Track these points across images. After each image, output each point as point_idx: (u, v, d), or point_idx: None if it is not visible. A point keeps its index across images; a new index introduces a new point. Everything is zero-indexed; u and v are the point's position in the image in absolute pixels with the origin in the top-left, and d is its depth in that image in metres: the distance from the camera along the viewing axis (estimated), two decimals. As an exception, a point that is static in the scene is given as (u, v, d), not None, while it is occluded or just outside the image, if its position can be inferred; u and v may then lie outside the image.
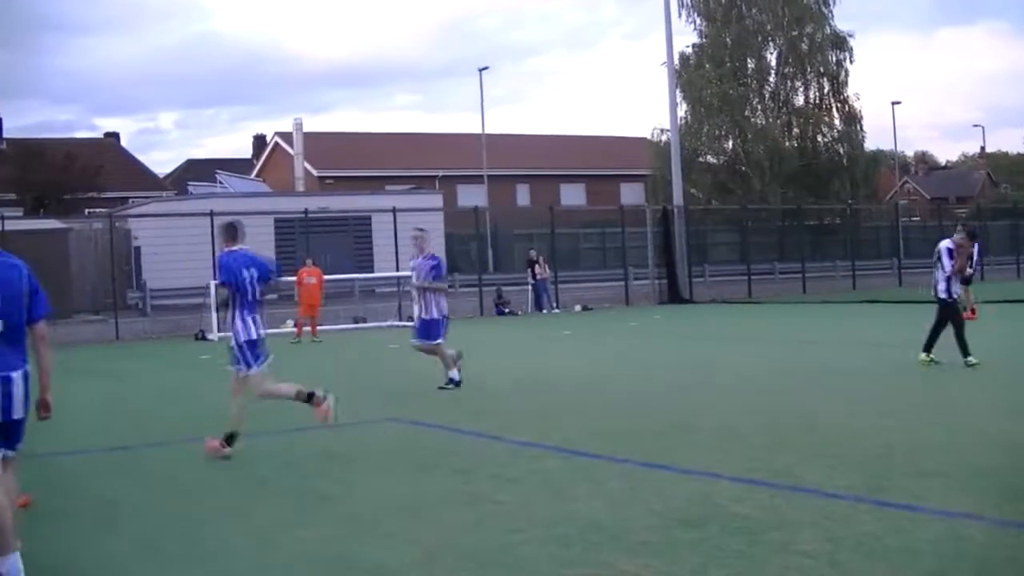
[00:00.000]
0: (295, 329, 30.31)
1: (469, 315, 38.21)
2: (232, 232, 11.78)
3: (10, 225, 34.38)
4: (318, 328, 30.40)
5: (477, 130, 62.35)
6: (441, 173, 65.35)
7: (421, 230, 17.87)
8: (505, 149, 66.12)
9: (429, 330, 17.05)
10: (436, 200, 47.95)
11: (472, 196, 57.36)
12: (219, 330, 31.48)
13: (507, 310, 39.26)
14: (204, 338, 31.60)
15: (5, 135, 71.67)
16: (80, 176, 58.30)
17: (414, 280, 17.17)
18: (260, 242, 35.84)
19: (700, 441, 11.58)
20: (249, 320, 11.49)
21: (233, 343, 11.64)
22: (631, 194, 67.28)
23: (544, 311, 39.34)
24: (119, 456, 12.37)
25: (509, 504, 9.06)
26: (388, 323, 34.82)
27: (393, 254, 37.88)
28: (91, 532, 8.86)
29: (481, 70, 61.62)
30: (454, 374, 16.72)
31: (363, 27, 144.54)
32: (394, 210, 38.88)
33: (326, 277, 34.34)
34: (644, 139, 66.21)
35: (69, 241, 37.88)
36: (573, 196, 69.45)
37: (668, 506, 8.62)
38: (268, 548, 7.98)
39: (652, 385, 17.04)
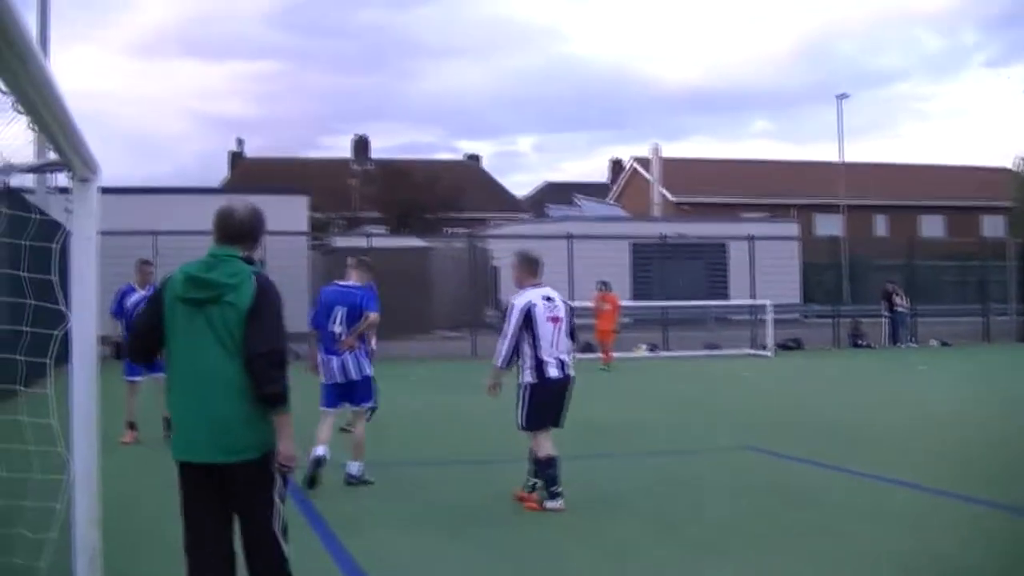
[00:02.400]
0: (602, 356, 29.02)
1: (823, 346, 37.62)
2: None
3: (376, 242, 36.09)
4: (613, 355, 29.14)
5: (834, 158, 61.31)
6: (798, 202, 64.53)
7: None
8: (863, 178, 64.59)
9: None
10: (792, 229, 47.45)
11: (829, 225, 56.47)
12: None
13: (862, 342, 38.41)
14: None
15: (373, 155, 75.23)
16: (443, 196, 60.51)
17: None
18: (616, 266, 36.62)
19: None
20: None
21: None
22: (993, 227, 64.66)
23: (900, 345, 38.28)
24: (476, 468, 12.90)
25: (861, 537, 9.03)
26: (741, 350, 34.64)
27: (748, 282, 37.75)
28: (442, 539, 9.29)
29: (839, 97, 60.50)
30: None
31: (717, 51, 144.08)
32: (750, 238, 38.73)
33: (681, 303, 34.59)
34: (1007, 169, 63.48)
35: (430, 259, 39.38)
36: (932, 227, 67.29)
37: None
38: (622, 570, 8.22)
39: (1011, 425, 16.39)
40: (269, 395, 5.56)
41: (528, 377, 10.39)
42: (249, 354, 5.55)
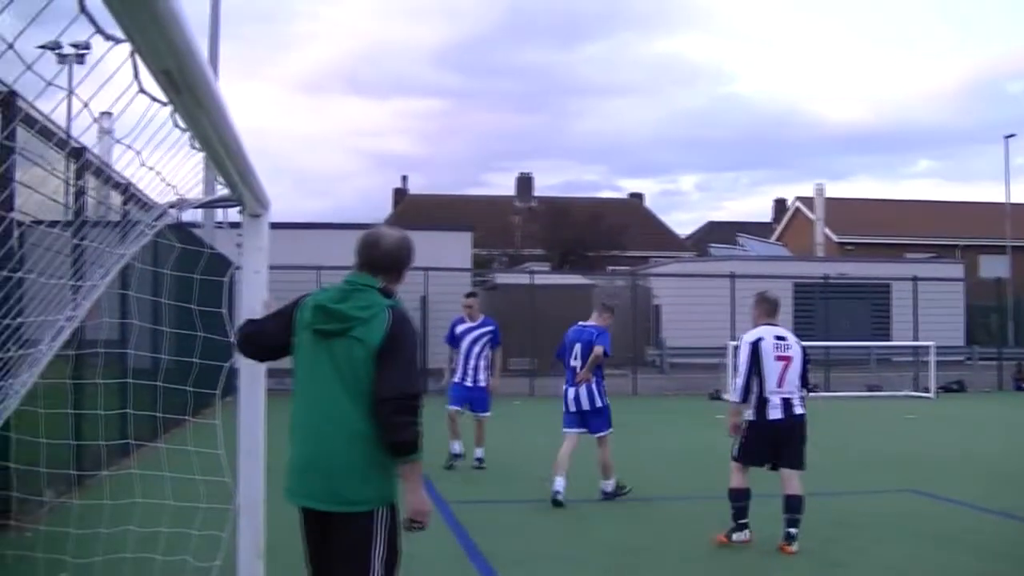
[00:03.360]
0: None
1: (986, 389, 36.72)
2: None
3: (538, 279, 36.32)
4: None
5: (1000, 198, 59.87)
6: (963, 242, 63.21)
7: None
8: (1030, 219, 63.08)
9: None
10: (957, 270, 46.48)
11: (994, 266, 55.09)
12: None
13: (1025, 385, 37.40)
14: (719, 398, 31.92)
15: (536, 193, 75.65)
16: (605, 234, 60.58)
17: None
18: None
19: None
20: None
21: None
22: None
23: (1067, 389, 37.14)
24: (639, 506, 12.85)
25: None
26: (904, 392, 33.99)
27: (911, 323, 37.10)
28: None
29: (1007, 137, 59.13)
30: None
31: (881, 90, 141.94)
32: (915, 279, 38.10)
33: (843, 343, 34.00)
34: None
35: (592, 297, 39.35)
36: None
37: None
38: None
39: None
40: (398, 444, 5.06)
41: (749, 415, 10.61)
42: (378, 398, 5.06)
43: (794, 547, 10.15)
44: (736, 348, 11.00)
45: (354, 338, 5.15)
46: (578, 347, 13.15)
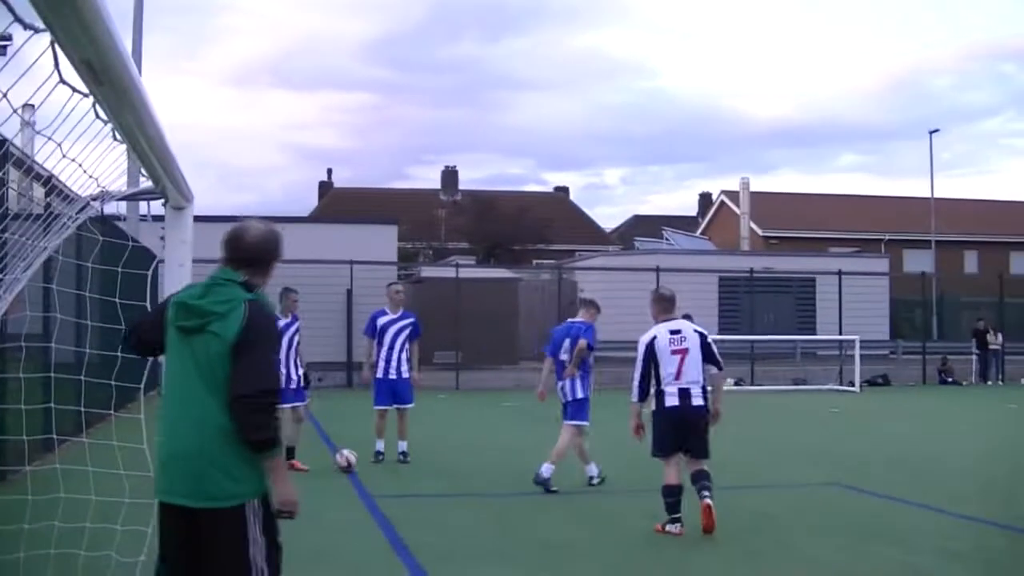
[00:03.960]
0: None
1: (911, 383, 37.24)
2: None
3: (464, 273, 36.33)
4: None
5: (925, 193, 60.63)
6: (887, 237, 64.00)
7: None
8: (954, 214, 63.89)
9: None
10: (882, 264, 47.04)
11: (919, 261, 55.78)
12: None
13: (950, 379, 37.92)
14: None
15: (461, 186, 75.63)
16: (531, 228, 60.63)
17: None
18: (704, 299, 36.51)
19: None
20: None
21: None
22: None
23: (989, 382, 37.75)
24: (563, 500, 12.83)
25: (949, 579, 8.94)
26: (828, 386, 34.37)
27: (836, 317, 37.53)
28: (532, 571, 9.30)
29: (931, 132, 59.90)
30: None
31: (807, 86, 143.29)
32: (839, 273, 38.54)
33: (768, 337, 34.31)
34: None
35: (518, 291, 39.44)
36: (1023, 264, 66.33)
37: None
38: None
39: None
40: (254, 442, 4.99)
41: (652, 406, 11.06)
42: (232, 395, 4.96)
43: (711, 501, 10.52)
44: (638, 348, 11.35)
45: (211, 333, 5.08)
46: (567, 342, 13.68)
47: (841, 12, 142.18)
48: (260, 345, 5.08)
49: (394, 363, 15.45)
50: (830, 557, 9.72)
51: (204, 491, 5.03)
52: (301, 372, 14.79)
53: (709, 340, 11.25)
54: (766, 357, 37.60)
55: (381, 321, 15.64)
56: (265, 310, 5.24)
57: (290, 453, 14.01)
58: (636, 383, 11.10)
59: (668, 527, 10.66)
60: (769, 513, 11.87)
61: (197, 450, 5.04)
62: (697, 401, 10.89)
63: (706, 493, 10.55)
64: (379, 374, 15.48)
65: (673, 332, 11.13)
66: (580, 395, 13.58)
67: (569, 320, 14.14)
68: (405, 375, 15.53)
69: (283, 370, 14.16)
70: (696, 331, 11.26)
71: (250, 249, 5.29)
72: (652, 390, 11.03)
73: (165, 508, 5.17)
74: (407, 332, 15.62)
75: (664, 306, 11.48)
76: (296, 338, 14.63)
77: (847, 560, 9.59)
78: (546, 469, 13.09)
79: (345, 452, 14.57)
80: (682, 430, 10.86)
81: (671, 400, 10.86)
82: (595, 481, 13.52)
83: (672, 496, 10.72)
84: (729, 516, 11.53)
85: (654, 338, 11.12)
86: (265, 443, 5.00)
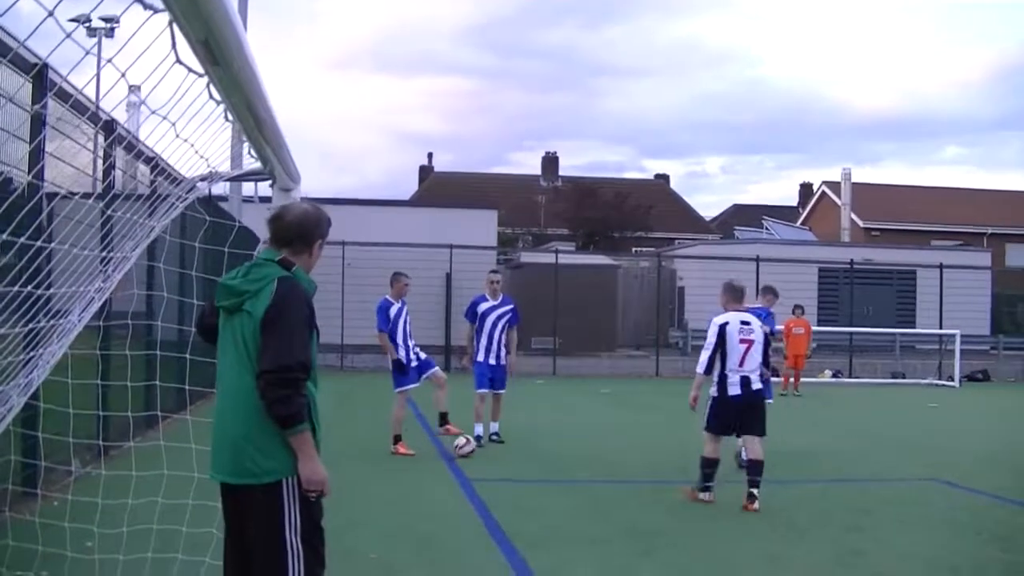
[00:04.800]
0: (782, 380, 28.63)
1: (1011, 379, 36.59)
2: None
3: (563, 259, 36.34)
4: (801, 381, 28.68)
5: (1031, 186, 59.58)
6: (990, 230, 62.87)
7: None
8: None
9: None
10: (984, 258, 46.23)
11: (1022, 255, 54.79)
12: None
13: (1053, 376, 37.28)
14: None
15: (561, 173, 75.52)
16: (630, 215, 60.44)
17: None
18: (803, 290, 36.18)
19: None
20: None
21: None
22: None
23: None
24: (659, 489, 12.83)
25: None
26: (927, 380, 33.89)
27: (937, 310, 36.98)
28: (626, 559, 9.28)
29: (1037, 124, 58.87)
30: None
31: (910, 76, 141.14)
32: (941, 266, 37.97)
33: (867, 330, 33.91)
34: None
35: (617, 278, 39.34)
36: None
37: None
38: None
39: None
40: (277, 417, 5.04)
41: (712, 391, 11.94)
42: (259, 371, 5.07)
43: (756, 505, 11.35)
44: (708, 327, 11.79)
45: (246, 312, 5.19)
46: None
47: (945, 1, 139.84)
48: (286, 321, 5.12)
49: (494, 349, 15.77)
50: (927, 553, 9.60)
51: (242, 467, 5.15)
52: (417, 354, 15.07)
53: (771, 341, 12.35)
54: (865, 350, 37.16)
55: (482, 307, 15.92)
56: (297, 287, 5.26)
57: (396, 439, 14.74)
58: (705, 358, 11.93)
59: (701, 495, 11.78)
60: (866, 507, 11.72)
61: (237, 429, 5.17)
62: (756, 386, 11.88)
63: (755, 492, 11.47)
64: (479, 358, 15.82)
65: (743, 323, 11.99)
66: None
67: (748, 306, 13.73)
68: (503, 361, 15.83)
69: (400, 353, 14.69)
70: (763, 328, 12.21)
71: (289, 228, 5.35)
72: (715, 374, 11.90)
73: (220, 488, 5.33)
74: (507, 319, 15.90)
75: (734, 295, 12.29)
76: (405, 319, 14.94)
77: (945, 556, 9.46)
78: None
79: (465, 440, 14.65)
80: (741, 415, 11.83)
81: (733, 389, 11.76)
82: None
83: (710, 468, 11.82)
84: (825, 509, 11.46)
85: (727, 323, 11.92)
86: (288, 418, 5.03)
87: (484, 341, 15.80)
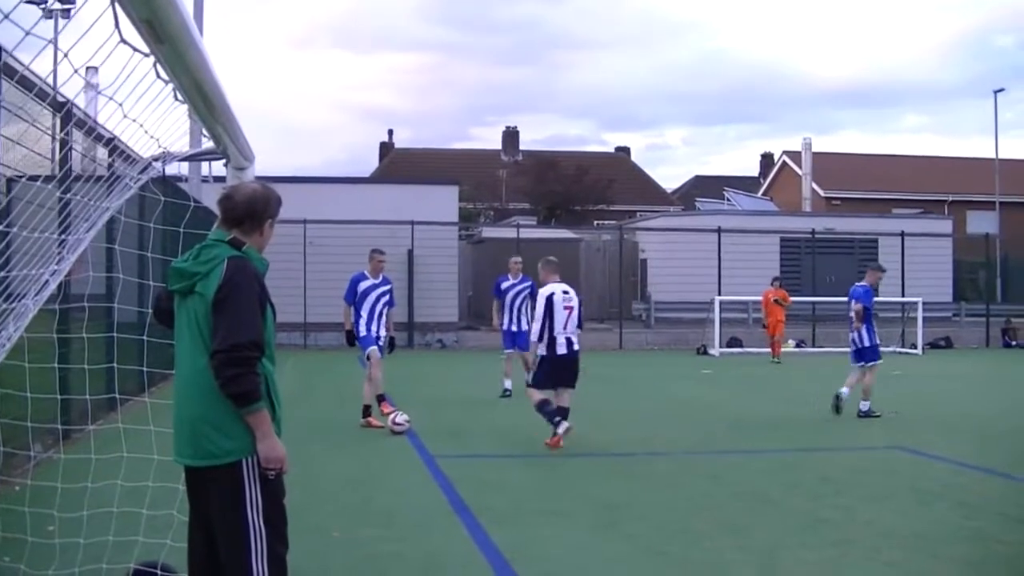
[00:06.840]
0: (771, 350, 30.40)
1: (974, 345, 36.86)
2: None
3: (524, 233, 36.34)
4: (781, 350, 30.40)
5: (989, 154, 59.78)
6: (951, 198, 63.11)
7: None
8: (1018, 174, 62.82)
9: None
10: (945, 226, 46.41)
11: (982, 222, 55.10)
12: (720, 345, 31.93)
13: (1014, 342, 37.55)
14: (706, 352, 32.03)
15: (522, 147, 75.43)
16: (592, 188, 60.38)
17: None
18: (765, 260, 36.36)
19: None
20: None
21: None
22: None
23: (1054, 345, 37.36)
24: (623, 461, 12.86)
25: (1017, 545, 8.83)
26: (891, 348, 34.05)
27: (899, 279, 37.15)
28: (591, 531, 9.30)
29: (996, 92, 58.96)
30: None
31: (869, 46, 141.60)
32: (902, 234, 38.20)
33: (830, 299, 34.07)
34: None
35: (579, 251, 39.33)
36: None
37: None
38: (769, 567, 8.15)
39: None
40: (231, 396, 5.01)
41: (541, 350, 13.71)
42: (212, 350, 5.04)
43: (563, 429, 13.34)
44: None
45: (198, 293, 5.17)
46: (854, 303, 17.05)
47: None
48: (236, 300, 5.09)
49: (514, 317, 19.48)
50: (890, 520, 9.64)
51: (202, 449, 5.13)
52: (383, 334, 15.62)
53: (581, 305, 14.12)
54: (827, 319, 37.33)
55: (505, 285, 19.80)
56: (247, 266, 5.22)
57: (366, 411, 15.40)
58: (537, 327, 13.73)
59: (559, 430, 13.35)
60: (830, 476, 11.79)
61: (195, 411, 5.15)
62: (576, 347, 13.82)
63: (566, 423, 13.35)
64: (504, 326, 19.64)
65: (564, 292, 13.87)
66: (867, 343, 17.01)
67: (856, 284, 17.29)
68: (525, 328, 18.73)
69: (364, 330, 15.30)
70: (576, 295, 14.00)
71: (239, 208, 5.31)
72: (544, 337, 13.63)
73: (184, 469, 5.32)
74: (525, 293, 19.42)
75: (553, 268, 14.23)
76: (385, 299, 15.55)
77: (907, 523, 9.51)
78: (846, 392, 17.11)
79: (400, 417, 14.64)
80: (562, 370, 13.65)
81: (561, 349, 13.62)
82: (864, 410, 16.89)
83: (546, 407, 13.43)
84: (790, 479, 11.52)
85: (552, 294, 13.74)
86: (242, 396, 5.01)
87: (507, 312, 19.54)
